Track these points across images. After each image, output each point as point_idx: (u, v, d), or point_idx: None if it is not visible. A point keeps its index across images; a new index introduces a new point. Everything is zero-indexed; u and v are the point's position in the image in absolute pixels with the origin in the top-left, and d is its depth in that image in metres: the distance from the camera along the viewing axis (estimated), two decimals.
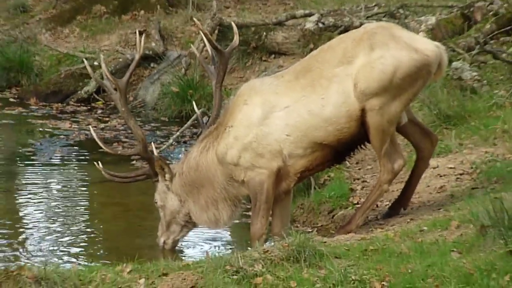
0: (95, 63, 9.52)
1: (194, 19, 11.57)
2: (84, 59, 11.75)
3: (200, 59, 10.17)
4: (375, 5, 16.38)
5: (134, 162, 11.77)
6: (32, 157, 13.04)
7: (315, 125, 8.66)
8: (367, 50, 8.62)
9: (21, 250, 9.54)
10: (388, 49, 8.60)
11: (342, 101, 8.61)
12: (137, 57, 9.46)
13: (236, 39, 9.43)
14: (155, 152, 9.20)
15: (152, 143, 9.39)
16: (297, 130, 8.69)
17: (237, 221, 9.58)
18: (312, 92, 8.66)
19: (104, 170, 9.20)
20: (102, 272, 6.95)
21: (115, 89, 9.31)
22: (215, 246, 9.73)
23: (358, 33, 9.00)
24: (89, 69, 9.75)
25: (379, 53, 8.59)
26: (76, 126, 14.38)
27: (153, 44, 16.28)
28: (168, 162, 9.29)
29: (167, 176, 9.15)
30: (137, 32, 10.01)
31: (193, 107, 9.99)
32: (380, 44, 8.64)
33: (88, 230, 10.32)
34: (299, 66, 9.03)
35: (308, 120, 8.66)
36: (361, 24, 12.37)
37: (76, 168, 12.72)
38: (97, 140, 9.27)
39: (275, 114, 8.72)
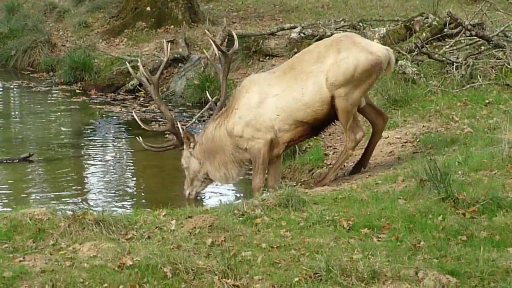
0: (138, 64, 9.44)
1: (206, 31, 11.54)
2: (127, 62, 11.64)
3: (210, 60, 10.11)
4: (341, 20, 16.22)
5: (167, 136, 11.70)
6: (92, 133, 13.02)
7: (297, 108, 8.62)
8: (335, 53, 8.56)
9: (85, 200, 9.53)
10: (351, 52, 8.54)
11: (317, 90, 8.57)
12: (164, 59, 9.50)
13: (236, 44, 9.36)
14: (180, 128, 9.12)
15: (178, 121, 9.34)
16: (284, 111, 8.64)
17: (241, 178, 9.54)
18: (295, 84, 8.62)
19: (143, 142, 9.14)
20: (144, 215, 6.94)
21: (150, 83, 9.27)
22: (226, 196, 9.71)
23: (329, 40, 8.96)
24: (130, 69, 9.70)
25: (344, 55, 8.53)
26: (124, 110, 14.29)
27: (180, 49, 16.16)
28: (192, 134, 9.24)
29: (191, 144, 9.10)
30: (164, 42, 9.98)
31: (209, 95, 9.92)
32: (345, 48, 8.58)
33: (134, 185, 10.30)
34: (286, 64, 8.99)
35: (292, 104, 8.62)
36: (331, 34, 12.25)
37: (124, 140, 12.69)
38: (137, 120, 9.25)
39: (268, 100, 8.67)
